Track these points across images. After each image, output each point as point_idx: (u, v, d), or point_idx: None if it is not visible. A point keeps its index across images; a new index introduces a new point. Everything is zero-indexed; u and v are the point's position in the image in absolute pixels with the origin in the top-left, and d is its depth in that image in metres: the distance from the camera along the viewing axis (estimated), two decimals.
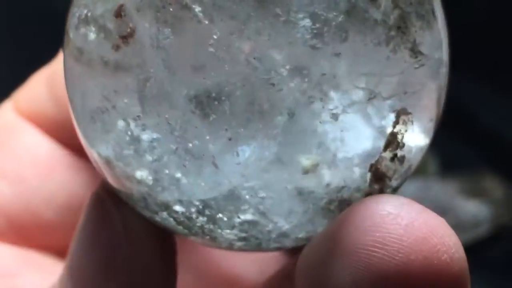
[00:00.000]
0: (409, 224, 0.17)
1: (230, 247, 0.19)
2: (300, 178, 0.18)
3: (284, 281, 0.20)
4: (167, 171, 0.18)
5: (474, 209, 0.57)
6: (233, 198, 0.18)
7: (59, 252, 0.26)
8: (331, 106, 0.17)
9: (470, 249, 0.57)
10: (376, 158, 0.18)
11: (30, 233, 0.26)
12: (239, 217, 0.18)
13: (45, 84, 0.25)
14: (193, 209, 0.18)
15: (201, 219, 0.18)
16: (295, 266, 0.19)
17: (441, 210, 0.56)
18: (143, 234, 0.20)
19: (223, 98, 0.17)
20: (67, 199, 0.26)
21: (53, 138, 0.26)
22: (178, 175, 0.18)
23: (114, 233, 0.20)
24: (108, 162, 0.19)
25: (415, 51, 0.18)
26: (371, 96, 0.18)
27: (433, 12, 0.19)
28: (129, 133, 0.18)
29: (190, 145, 0.18)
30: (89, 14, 0.19)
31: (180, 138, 0.17)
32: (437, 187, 0.56)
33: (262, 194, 0.18)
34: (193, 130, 0.17)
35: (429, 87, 0.19)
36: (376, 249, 0.17)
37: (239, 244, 0.19)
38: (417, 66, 0.18)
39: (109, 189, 0.20)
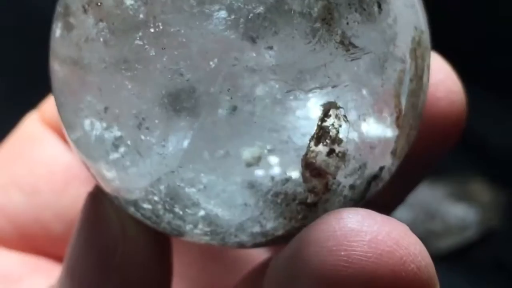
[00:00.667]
0: (372, 239, 0.17)
1: (200, 242, 0.19)
2: (248, 171, 0.18)
3: (258, 279, 0.21)
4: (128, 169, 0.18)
5: (461, 212, 0.58)
6: (185, 193, 0.18)
7: (56, 257, 0.26)
8: (267, 99, 0.17)
9: (458, 252, 0.57)
10: (305, 151, 0.18)
11: (38, 243, 0.26)
12: (199, 212, 0.18)
13: None
14: (159, 206, 0.18)
15: (168, 215, 0.19)
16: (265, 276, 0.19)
17: (429, 214, 0.56)
18: (139, 233, 0.20)
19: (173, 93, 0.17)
20: (78, 214, 0.26)
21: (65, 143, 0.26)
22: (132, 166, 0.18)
23: (111, 233, 0.20)
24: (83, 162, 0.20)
25: (345, 44, 0.17)
26: (295, 88, 0.17)
27: (378, 5, 0.18)
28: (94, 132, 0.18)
29: (142, 137, 0.18)
30: (58, 10, 0.19)
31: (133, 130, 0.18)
32: (425, 191, 0.57)
33: (213, 187, 0.18)
34: (155, 125, 0.17)
35: (371, 82, 0.18)
36: (342, 269, 0.17)
37: (206, 238, 0.19)
38: (349, 59, 0.18)
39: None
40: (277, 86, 0.17)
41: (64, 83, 0.19)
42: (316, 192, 0.18)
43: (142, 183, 0.18)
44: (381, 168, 0.19)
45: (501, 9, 0.63)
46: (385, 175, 0.19)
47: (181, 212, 0.18)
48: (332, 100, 0.18)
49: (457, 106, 0.22)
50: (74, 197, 0.25)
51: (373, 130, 0.18)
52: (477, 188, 0.59)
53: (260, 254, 0.26)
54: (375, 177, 0.19)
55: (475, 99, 0.64)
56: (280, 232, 0.19)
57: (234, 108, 0.17)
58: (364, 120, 0.18)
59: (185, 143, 0.17)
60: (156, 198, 0.18)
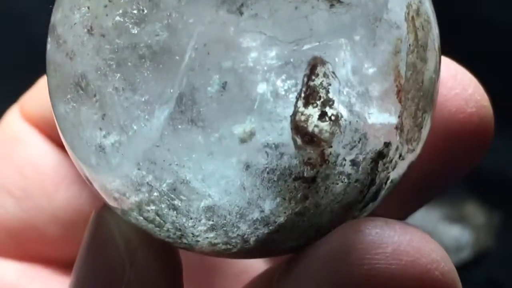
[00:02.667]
0: (395, 250, 0.16)
1: (203, 244, 0.18)
2: (242, 150, 0.17)
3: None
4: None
5: (456, 234, 0.58)
6: (185, 184, 0.17)
7: (63, 266, 0.26)
8: (256, 66, 0.16)
9: None
10: (292, 111, 0.17)
11: (34, 248, 0.25)
12: (200, 202, 0.18)
13: None
14: (162, 205, 0.18)
15: (171, 213, 0.18)
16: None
17: None
18: (147, 255, 0.19)
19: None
20: (72, 214, 0.25)
21: (60, 148, 0.25)
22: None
23: (118, 258, 0.19)
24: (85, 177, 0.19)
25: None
26: (277, 43, 0.16)
27: None
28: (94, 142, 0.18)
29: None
30: (51, 25, 0.19)
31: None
32: (421, 213, 0.57)
33: (208, 171, 0.17)
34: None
35: (362, 42, 0.17)
36: (366, 283, 0.16)
37: (211, 236, 0.18)
38: (333, 13, 0.17)
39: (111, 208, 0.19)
40: (269, 52, 0.16)
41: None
42: (312, 163, 0.17)
43: (133, 159, 0.17)
44: (387, 145, 0.18)
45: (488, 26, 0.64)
46: (394, 156, 0.18)
47: (182, 205, 0.18)
48: (318, 55, 0.17)
49: (488, 120, 0.21)
50: (67, 198, 0.25)
51: (368, 96, 0.17)
52: (471, 210, 0.59)
53: (260, 268, 0.26)
54: (381, 154, 0.18)
55: None
56: (281, 219, 0.18)
57: (224, 85, 0.17)
58: (358, 82, 0.17)
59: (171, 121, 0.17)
60: (156, 193, 0.18)
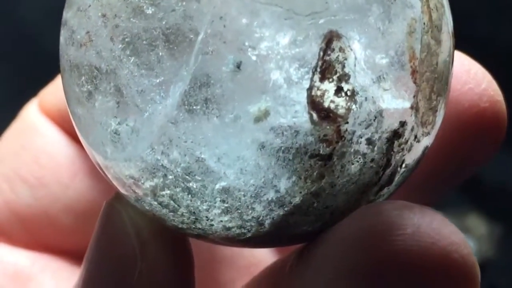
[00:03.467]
0: (414, 231, 0.16)
1: (217, 229, 0.18)
2: (257, 129, 0.17)
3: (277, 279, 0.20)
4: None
5: None
6: (200, 163, 0.17)
7: (75, 257, 0.26)
8: (272, 40, 0.16)
9: None
10: (309, 85, 0.16)
11: (46, 237, 0.25)
12: (215, 185, 0.17)
13: None
14: (177, 189, 0.17)
15: (186, 196, 0.18)
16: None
17: None
18: (158, 246, 0.19)
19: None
20: (86, 206, 0.25)
21: (75, 141, 0.25)
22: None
23: (129, 251, 0.19)
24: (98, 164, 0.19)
25: None
26: (292, 16, 0.16)
27: None
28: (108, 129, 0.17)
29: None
30: (63, 18, 0.18)
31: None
32: None
33: (224, 151, 0.17)
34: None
35: (377, 19, 0.17)
36: (386, 264, 0.16)
37: (225, 220, 0.18)
38: None
39: (124, 199, 0.19)
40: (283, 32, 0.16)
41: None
42: (328, 140, 0.17)
43: (149, 138, 0.17)
44: (402, 124, 0.17)
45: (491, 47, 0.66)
46: (410, 137, 0.18)
47: (197, 188, 0.17)
48: (335, 29, 0.16)
49: (501, 115, 0.21)
50: (81, 189, 0.25)
51: (383, 74, 0.17)
52: (473, 222, 0.59)
53: (270, 260, 0.25)
54: (397, 134, 0.17)
55: None
56: (297, 199, 0.17)
57: (239, 65, 0.16)
58: (374, 59, 0.17)
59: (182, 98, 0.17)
60: (171, 176, 0.17)
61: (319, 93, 0.16)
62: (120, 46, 0.17)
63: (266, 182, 0.17)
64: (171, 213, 0.18)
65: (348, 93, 0.16)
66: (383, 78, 0.17)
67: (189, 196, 0.17)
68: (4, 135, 0.26)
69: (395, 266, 0.16)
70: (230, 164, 0.17)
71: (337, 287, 0.17)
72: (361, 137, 0.17)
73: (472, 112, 0.19)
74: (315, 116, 0.16)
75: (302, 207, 0.17)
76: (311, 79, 0.16)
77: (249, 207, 0.17)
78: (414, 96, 0.17)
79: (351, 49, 0.16)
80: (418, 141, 0.18)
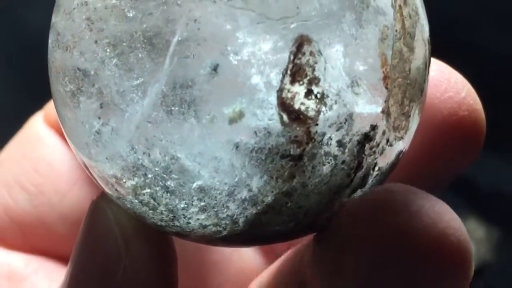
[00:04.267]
0: (417, 210, 0.17)
1: (194, 227, 0.18)
2: (230, 130, 0.17)
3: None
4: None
5: None
6: (177, 162, 0.17)
7: (61, 259, 0.26)
8: (245, 44, 0.17)
9: None
10: (279, 86, 0.17)
11: (41, 243, 0.26)
12: (192, 184, 0.18)
13: None
14: (157, 187, 0.18)
15: (164, 195, 0.18)
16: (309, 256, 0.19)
17: None
18: (142, 248, 0.20)
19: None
20: (81, 215, 0.24)
21: (67, 145, 0.25)
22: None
23: (114, 248, 0.20)
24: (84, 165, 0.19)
25: None
26: (264, 20, 0.17)
27: None
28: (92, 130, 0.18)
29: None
30: (51, 22, 0.19)
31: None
32: None
33: (199, 151, 0.17)
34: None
35: (348, 26, 0.17)
36: (388, 239, 0.17)
37: (202, 218, 0.18)
38: None
39: (109, 198, 0.19)
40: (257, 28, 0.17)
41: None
42: (298, 141, 0.17)
43: (126, 137, 0.17)
44: (373, 127, 0.18)
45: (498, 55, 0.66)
46: (381, 141, 0.18)
47: (175, 186, 0.18)
48: (306, 34, 0.17)
49: (479, 124, 0.21)
50: (78, 198, 0.25)
51: (354, 79, 0.17)
52: (471, 226, 0.60)
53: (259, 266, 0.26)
54: (367, 137, 0.18)
55: None
56: (269, 198, 0.18)
57: (215, 67, 0.17)
58: (345, 64, 0.17)
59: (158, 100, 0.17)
60: (150, 175, 0.18)
61: (289, 95, 0.17)
62: (103, 48, 0.17)
63: (239, 181, 0.17)
64: (151, 211, 0.18)
65: (318, 96, 0.17)
66: (355, 82, 0.17)
67: (168, 194, 0.18)
68: (9, 143, 0.26)
69: (397, 241, 0.17)
70: (205, 163, 0.17)
71: (351, 259, 0.18)
72: (331, 139, 0.17)
73: (451, 120, 0.19)
74: (285, 117, 0.17)
75: (274, 207, 0.18)
76: (281, 82, 0.17)
77: (224, 205, 0.18)
78: (385, 101, 0.18)
79: (321, 54, 0.17)
80: (391, 145, 0.18)
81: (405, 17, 0.18)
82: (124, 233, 0.20)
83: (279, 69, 0.17)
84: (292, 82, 0.17)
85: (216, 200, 0.18)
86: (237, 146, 0.17)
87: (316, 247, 0.19)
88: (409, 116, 0.18)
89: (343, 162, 0.18)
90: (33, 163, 0.25)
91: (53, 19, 0.19)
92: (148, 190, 0.18)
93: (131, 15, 0.17)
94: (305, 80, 0.17)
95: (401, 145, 0.19)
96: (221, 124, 0.17)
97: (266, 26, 0.17)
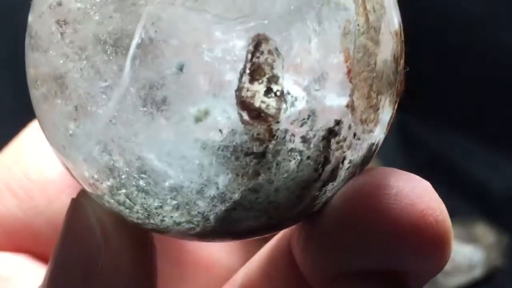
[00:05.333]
0: (398, 192, 0.18)
1: (169, 224, 0.19)
2: (196, 129, 0.17)
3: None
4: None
5: (468, 253, 0.59)
6: (147, 163, 0.18)
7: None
8: (202, 44, 0.17)
9: None
10: (237, 86, 0.17)
11: (28, 247, 0.26)
12: (164, 182, 0.18)
13: None
14: (132, 188, 0.18)
15: (140, 194, 0.18)
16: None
17: None
18: (121, 241, 0.20)
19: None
20: (60, 214, 0.24)
21: None
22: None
23: (93, 241, 0.20)
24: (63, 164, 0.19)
25: None
26: (222, 21, 0.17)
27: None
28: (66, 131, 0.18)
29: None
30: (28, 24, 0.19)
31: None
32: None
33: (168, 150, 0.17)
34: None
35: (307, 21, 0.17)
36: (369, 217, 0.18)
37: (176, 215, 0.18)
38: None
39: (89, 196, 0.20)
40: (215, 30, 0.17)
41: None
42: (260, 139, 0.17)
43: (94, 136, 0.18)
44: (338, 122, 0.18)
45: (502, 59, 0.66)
46: (348, 135, 0.18)
47: (148, 186, 0.18)
48: (262, 32, 0.17)
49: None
50: (66, 204, 0.23)
51: (317, 74, 0.17)
52: (481, 231, 0.60)
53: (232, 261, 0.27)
54: (332, 132, 0.18)
55: (478, 150, 0.67)
56: (236, 195, 0.18)
57: (181, 67, 0.17)
58: (306, 60, 0.17)
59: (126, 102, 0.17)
60: (124, 176, 0.18)
61: (249, 94, 0.17)
62: (72, 51, 0.18)
63: (207, 179, 0.18)
64: (127, 210, 0.19)
65: (278, 93, 0.17)
66: (316, 78, 0.17)
67: (143, 194, 0.18)
68: (4, 150, 0.27)
69: (376, 221, 0.18)
70: (174, 163, 0.18)
71: (335, 238, 0.18)
72: (294, 136, 0.18)
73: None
74: (245, 116, 0.17)
75: (243, 203, 0.18)
76: (240, 81, 0.17)
77: (195, 203, 0.18)
78: (350, 96, 0.18)
79: (280, 52, 0.17)
80: (359, 139, 0.19)
81: (369, 11, 0.18)
82: (103, 228, 0.20)
83: (237, 69, 0.17)
84: (252, 81, 0.17)
85: (187, 198, 0.18)
86: (203, 145, 0.17)
87: (306, 227, 0.20)
88: (378, 109, 0.19)
89: (309, 157, 0.18)
90: (24, 170, 0.26)
91: (28, 19, 0.19)
92: (124, 191, 0.18)
93: (96, 18, 0.17)
94: (264, 79, 0.17)
95: (373, 138, 0.19)
96: (188, 124, 0.17)
97: (223, 26, 0.17)
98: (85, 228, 0.20)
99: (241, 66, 0.17)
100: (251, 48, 0.17)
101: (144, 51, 0.17)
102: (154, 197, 0.18)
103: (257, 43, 0.17)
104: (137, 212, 0.19)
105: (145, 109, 0.17)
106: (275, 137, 0.17)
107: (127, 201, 0.19)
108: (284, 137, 0.17)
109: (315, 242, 0.19)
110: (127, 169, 0.18)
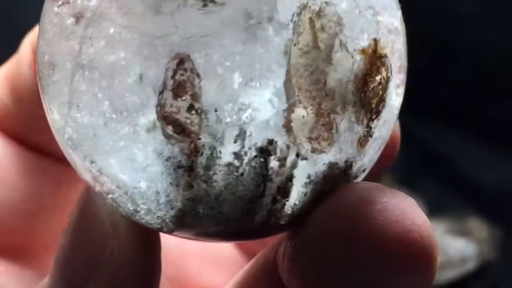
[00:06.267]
0: (382, 208, 0.18)
1: (144, 223, 0.19)
2: (147, 140, 0.18)
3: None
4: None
5: (461, 247, 0.59)
6: (111, 172, 0.18)
7: (22, 257, 0.26)
8: (127, 60, 0.17)
9: (459, 283, 0.60)
10: (157, 102, 0.17)
11: None
12: (132, 190, 0.19)
13: (3, 81, 0.25)
14: (115, 194, 0.19)
15: (121, 199, 0.19)
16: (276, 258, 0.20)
17: None
18: (129, 231, 0.20)
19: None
20: (31, 206, 0.25)
21: (18, 142, 0.26)
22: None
23: (101, 229, 0.20)
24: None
25: None
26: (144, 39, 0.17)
27: None
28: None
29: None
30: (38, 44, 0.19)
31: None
32: None
33: (129, 163, 0.18)
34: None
35: (237, 39, 0.17)
36: (352, 234, 0.18)
37: (148, 218, 0.19)
38: (204, 12, 0.17)
39: None
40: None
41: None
42: (186, 154, 0.18)
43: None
44: (271, 142, 0.18)
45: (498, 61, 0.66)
46: (289, 154, 0.18)
47: (120, 194, 0.19)
48: (184, 51, 0.17)
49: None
50: (26, 190, 0.25)
51: (244, 90, 0.17)
52: (474, 225, 0.61)
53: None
54: (265, 151, 0.18)
55: (470, 146, 0.67)
56: (180, 205, 0.19)
57: (140, 77, 0.17)
58: (233, 78, 0.17)
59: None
60: (105, 184, 0.19)
61: (173, 109, 0.17)
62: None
63: (160, 187, 0.18)
64: (120, 209, 0.20)
65: (199, 111, 0.17)
66: (246, 97, 0.17)
67: (123, 199, 0.19)
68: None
69: (360, 237, 0.18)
70: (133, 171, 0.18)
71: (321, 253, 0.18)
72: (222, 152, 0.18)
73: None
74: (170, 131, 0.18)
75: (188, 211, 0.19)
76: (161, 98, 0.17)
77: (156, 208, 0.19)
78: (285, 115, 0.18)
79: (200, 70, 0.17)
80: (305, 158, 0.18)
81: (318, 29, 0.18)
82: (112, 219, 0.20)
83: (160, 86, 0.17)
84: (175, 97, 0.17)
85: (150, 205, 0.19)
86: (155, 155, 0.18)
87: (291, 242, 0.19)
88: (332, 128, 0.18)
89: (242, 174, 0.18)
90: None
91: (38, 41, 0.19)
92: (110, 196, 0.19)
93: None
94: (187, 96, 0.17)
95: (330, 156, 0.19)
96: (142, 134, 0.18)
97: (147, 44, 0.17)
98: (94, 217, 0.20)
99: (162, 83, 0.17)
100: (172, 66, 0.17)
101: (81, 69, 0.18)
102: (130, 202, 0.19)
103: (180, 61, 0.17)
104: (123, 211, 0.19)
105: (107, 120, 0.18)
106: (201, 153, 0.18)
107: (114, 204, 0.19)
108: (212, 153, 0.18)
109: (300, 255, 0.19)
110: (104, 178, 0.19)
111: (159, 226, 0.19)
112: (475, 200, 0.63)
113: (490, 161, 0.65)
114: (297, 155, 0.18)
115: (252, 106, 0.17)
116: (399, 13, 0.20)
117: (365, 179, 0.20)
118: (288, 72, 0.18)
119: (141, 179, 0.18)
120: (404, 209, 0.18)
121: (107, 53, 0.18)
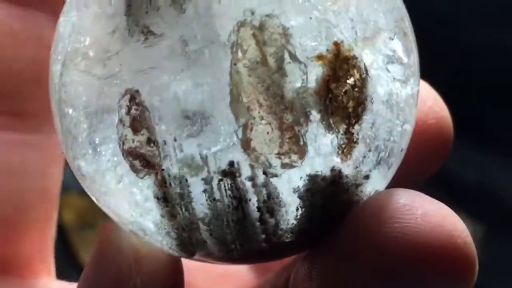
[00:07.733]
0: (424, 212, 0.17)
1: (165, 248, 0.20)
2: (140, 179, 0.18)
3: None
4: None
5: None
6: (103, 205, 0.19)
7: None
8: (87, 101, 0.18)
9: None
10: (119, 139, 0.18)
11: None
12: (126, 223, 0.19)
13: None
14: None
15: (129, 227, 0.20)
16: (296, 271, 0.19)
17: None
18: (153, 265, 0.20)
19: None
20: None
21: None
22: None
23: (124, 263, 0.20)
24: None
25: (145, 32, 0.17)
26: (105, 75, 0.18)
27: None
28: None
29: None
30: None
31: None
32: None
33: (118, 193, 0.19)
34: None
35: (177, 66, 0.17)
36: (397, 240, 0.17)
37: (164, 242, 0.19)
38: (146, 45, 0.17)
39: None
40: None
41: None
42: (157, 185, 0.18)
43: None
44: (232, 164, 0.18)
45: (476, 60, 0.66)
46: (256, 174, 0.18)
47: (130, 222, 0.19)
48: (131, 87, 0.18)
49: (446, 131, 0.22)
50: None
51: (195, 117, 0.18)
52: None
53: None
54: (229, 173, 0.18)
55: (452, 144, 0.67)
56: (172, 233, 0.19)
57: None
58: (180, 106, 0.18)
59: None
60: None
61: (136, 144, 0.18)
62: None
63: (153, 217, 0.19)
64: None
65: (157, 143, 0.18)
66: (197, 120, 0.18)
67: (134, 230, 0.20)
68: None
69: (406, 243, 0.17)
70: (133, 208, 0.19)
71: (359, 268, 0.18)
72: (188, 180, 0.18)
73: (420, 129, 0.19)
74: (136, 164, 0.18)
75: (182, 240, 0.19)
76: (121, 134, 0.18)
77: (162, 239, 0.19)
78: (240, 135, 0.18)
79: (148, 103, 0.18)
80: (276, 175, 0.18)
81: (263, 44, 0.18)
82: (135, 252, 0.20)
83: (116, 123, 0.18)
84: (135, 132, 0.18)
85: (157, 237, 0.19)
86: (146, 186, 0.18)
87: (317, 261, 0.19)
88: (299, 141, 0.18)
89: (217, 199, 0.18)
90: None
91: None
92: (129, 227, 0.20)
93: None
94: (143, 130, 0.18)
95: (307, 168, 0.18)
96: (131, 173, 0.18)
97: (98, 84, 0.18)
98: (117, 250, 0.20)
99: (118, 120, 0.18)
100: (123, 103, 0.18)
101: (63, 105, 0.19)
102: (141, 233, 0.19)
103: (131, 96, 0.17)
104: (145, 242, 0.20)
105: (91, 149, 0.18)
106: (169, 184, 0.18)
107: (132, 233, 0.20)
108: (181, 182, 0.18)
109: (336, 272, 0.18)
110: (113, 216, 0.20)
111: (177, 254, 0.19)
112: (456, 196, 0.63)
113: (472, 157, 0.66)
114: (264, 173, 0.18)
115: (206, 131, 0.17)
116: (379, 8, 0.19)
117: (401, 185, 0.19)
118: (231, 92, 0.17)
119: (138, 214, 0.19)
120: (445, 214, 0.17)
121: (76, 97, 0.18)
